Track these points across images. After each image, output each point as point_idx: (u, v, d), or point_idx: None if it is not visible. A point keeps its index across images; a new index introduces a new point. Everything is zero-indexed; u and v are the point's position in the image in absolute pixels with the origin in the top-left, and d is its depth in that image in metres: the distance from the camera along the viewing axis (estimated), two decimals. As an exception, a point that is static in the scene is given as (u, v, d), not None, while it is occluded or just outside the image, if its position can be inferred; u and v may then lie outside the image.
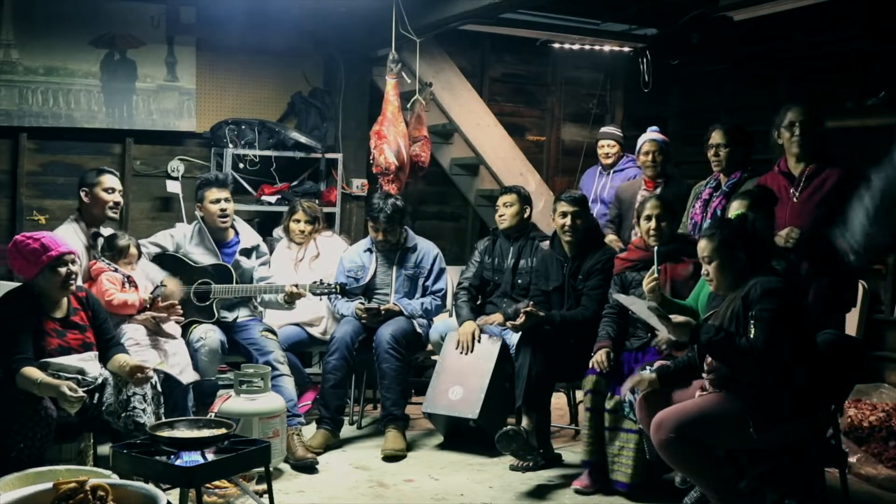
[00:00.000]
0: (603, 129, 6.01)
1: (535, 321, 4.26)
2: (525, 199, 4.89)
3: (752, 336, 3.13)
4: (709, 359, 3.33)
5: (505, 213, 4.86)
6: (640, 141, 5.16)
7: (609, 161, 5.80)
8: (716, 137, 4.37)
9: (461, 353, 4.66)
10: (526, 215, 4.88)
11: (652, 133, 5.13)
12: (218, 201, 4.62)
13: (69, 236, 4.20)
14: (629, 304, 3.76)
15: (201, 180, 4.75)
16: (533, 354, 4.21)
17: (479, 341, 4.67)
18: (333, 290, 4.61)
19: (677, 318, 3.27)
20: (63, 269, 3.61)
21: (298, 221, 5.28)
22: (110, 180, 4.39)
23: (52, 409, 3.39)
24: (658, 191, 4.91)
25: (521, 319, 4.25)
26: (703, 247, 3.38)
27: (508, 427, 4.16)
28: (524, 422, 4.21)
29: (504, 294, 4.85)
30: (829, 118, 4.17)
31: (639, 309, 3.62)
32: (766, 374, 3.15)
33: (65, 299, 3.70)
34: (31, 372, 3.39)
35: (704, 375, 3.38)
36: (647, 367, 3.75)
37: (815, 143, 3.96)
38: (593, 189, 5.77)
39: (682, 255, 4.04)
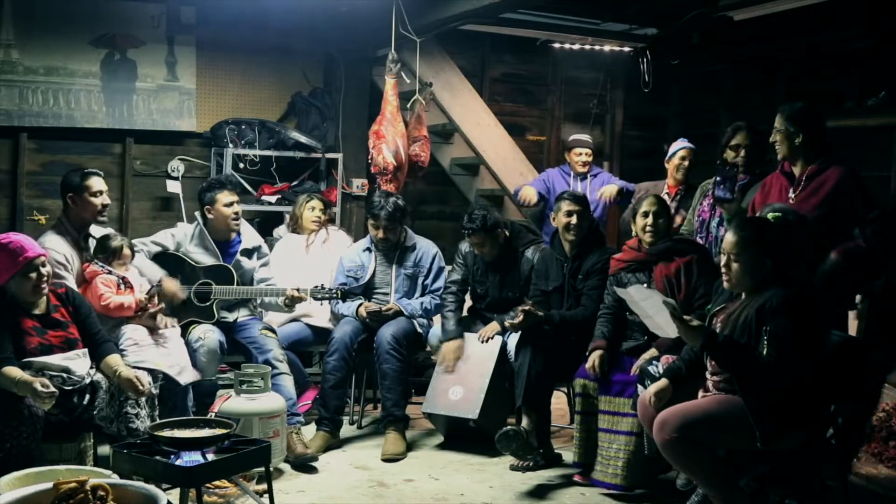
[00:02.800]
0: (577, 137, 5.96)
1: (534, 321, 4.25)
2: (492, 227, 4.68)
3: (764, 353, 3.09)
4: (712, 360, 3.32)
5: (483, 251, 4.76)
6: (674, 147, 5.18)
7: (585, 169, 5.82)
8: (739, 139, 4.36)
9: (444, 371, 4.65)
10: (501, 239, 4.77)
11: (685, 142, 5.18)
12: (231, 204, 4.61)
13: (56, 242, 4.11)
14: (641, 300, 3.69)
15: (211, 182, 4.71)
16: (532, 354, 4.21)
17: (472, 331, 4.67)
18: (335, 295, 4.60)
19: (692, 320, 3.20)
20: (33, 275, 3.57)
21: (314, 209, 5.31)
22: (97, 183, 4.25)
23: (37, 408, 3.38)
24: (679, 197, 4.97)
25: (519, 319, 4.24)
26: (731, 243, 3.26)
27: (508, 427, 4.15)
28: (524, 422, 4.21)
29: (491, 307, 4.83)
30: (829, 118, 4.12)
31: (652, 305, 3.58)
32: (775, 389, 3.11)
33: (43, 298, 3.67)
34: (11, 371, 3.39)
35: (707, 376, 3.37)
36: (655, 364, 3.75)
37: (794, 148, 3.84)
38: None
39: (673, 254, 4.04)
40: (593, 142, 5.95)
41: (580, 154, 5.83)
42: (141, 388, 3.61)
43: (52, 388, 3.33)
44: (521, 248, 4.78)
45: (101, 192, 4.26)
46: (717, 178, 3.88)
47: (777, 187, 3.91)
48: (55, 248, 4.08)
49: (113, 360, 3.71)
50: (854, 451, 3.60)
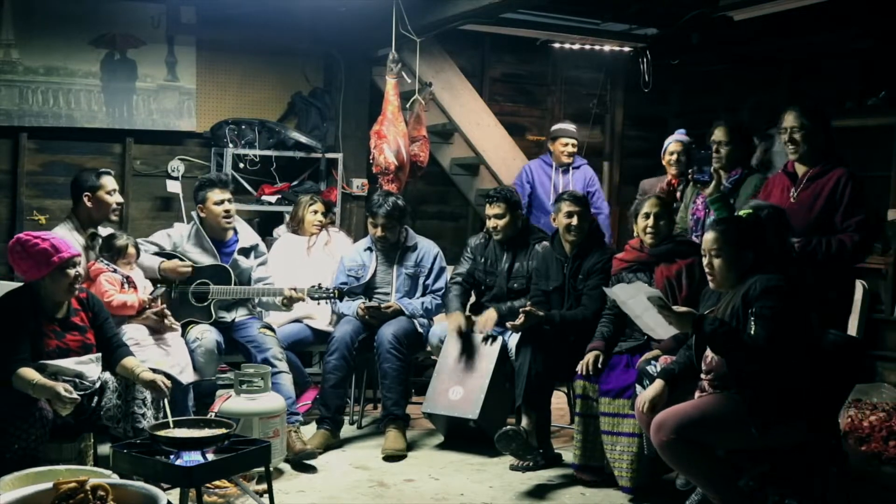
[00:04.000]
0: (562, 126, 5.99)
1: (534, 321, 4.26)
2: (515, 205, 4.78)
3: (752, 332, 3.13)
4: (707, 359, 3.33)
5: (498, 225, 4.78)
6: (666, 142, 5.20)
7: (570, 160, 5.83)
8: (717, 135, 4.36)
9: (457, 343, 4.64)
10: (520, 223, 4.83)
11: (679, 135, 5.21)
12: (221, 202, 4.62)
13: (67, 239, 4.18)
14: (627, 299, 3.71)
15: (202, 181, 4.73)
16: (533, 354, 4.21)
17: (472, 331, 4.66)
18: (332, 294, 4.59)
19: (679, 308, 3.25)
20: (72, 272, 3.59)
21: (316, 213, 5.32)
22: (111, 182, 4.39)
23: (48, 411, 3.39)
24: (682, 188, 4.98)
25: (520, 320, 4.25)
26: (710, 240, 3.33)
27: (508, 427, 4.15)
28: (524, 421, 4.21)
29: (497, 298, 4.84)
30: (829, 118, 4.12)
31: (638, 303, 3.59)
32: (766, 370, 3.14)
33: (67, 300, 3.68)
34: (28, 373, 3.38)
35: (703, 376, 3.38)
36: (653, 364, 3.75)
37: (814, 146, 3.84)
38: (550, 186, 5.78)
39: (675, 256, 4.04)
40: (577, 131, 5.99)
41: (566, 144, 5.85)
42: (163, 388, 3.60)
43: (75, 395, 3.34)
44: (533, 241, 4.81)
45: (115, 191, 4.40)
46: (696, 159, 3.91)
47: (779, 187, 3.92)
48: None
49: (131, 362, 3.72)
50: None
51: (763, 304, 3.14)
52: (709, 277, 3.40)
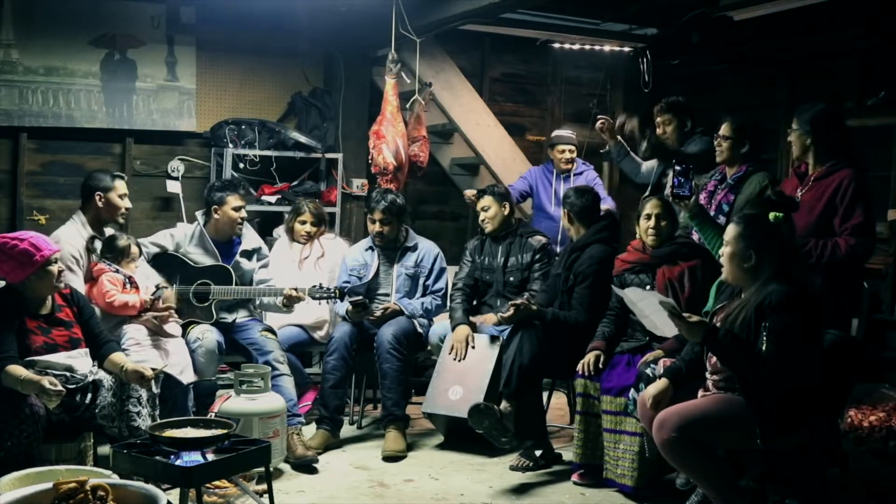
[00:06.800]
0: (559, 133, 5.97)
1: (524, 316, 4.23)
2: (502, 197, 4.87)
3: (764, 349, 3.11)
4: (713, 359, 3.32)
5: (486, 218, 4.85)
6: None
7: (568, 167, 5.82)
8: (723, 129, 4.35)
9: (455, 359, 4.64)
10: (507, 213, 4.87)
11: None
12: (239, 209, 4.63)
13: (72, 236, 4.20)
14: (638, 300, 3.70)
15: (224, 183, 4.76)
16: (519, 346, 4.17)
17: (472, 347, 4.65)
18: (333, 294, 4.59)
19: (692, 317, 3.22)
20: (55, 268, 3.61)
21: (304, 223, 5.26)
22: (124, 186, 4.39)
23: (39, 407, 3.39)
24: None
25: (509, 312, 4.21)
26: (727, 231, 3.36)
27: (481, 402, 4.09)
28: (502, 405, 4.12)
29: (497, 294, 4.85)
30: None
31: (648, 305, 3.58)
32: (774, 385, 3.12)
33: (51, 297, 3.69)
34: (16, 370, 3.39)
35: (708, 375, 3.37)
36: (652, 366, 3.74)
37: (804, 149, 3.87)
38: (552, 192, 5.78)
39: (677, 258, 4.03)
40: (576, 137, 5.97)
41: (563, 151, 5.84)
42: (147, 374, 3.62)
43: (60, 387, 3.34)
44: (526, 236, 4.85)
45: (125, 196, 4.39)
46: (676, 170, 3.83)
47: (790, 187, 3.93)
48: (70, 242, 4.16)
49: (117, 357, 3.73)
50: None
51: (777, 320, 3.11)
52: (723, 268, 3.40)
